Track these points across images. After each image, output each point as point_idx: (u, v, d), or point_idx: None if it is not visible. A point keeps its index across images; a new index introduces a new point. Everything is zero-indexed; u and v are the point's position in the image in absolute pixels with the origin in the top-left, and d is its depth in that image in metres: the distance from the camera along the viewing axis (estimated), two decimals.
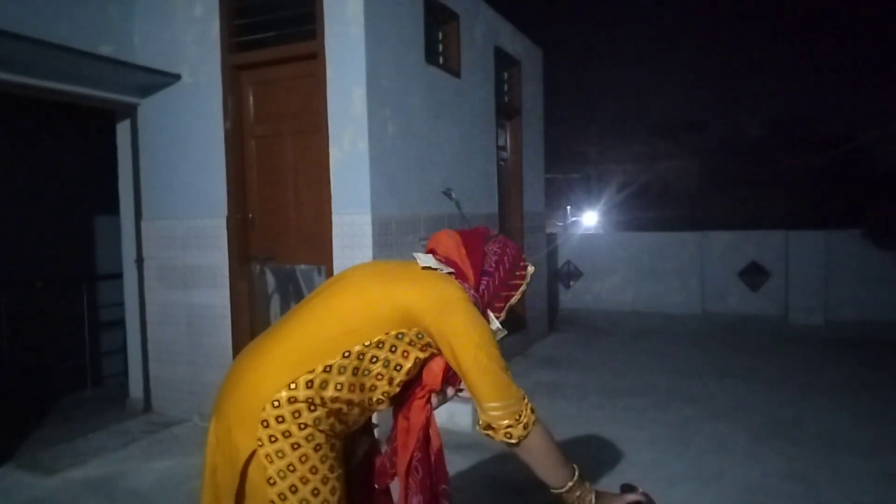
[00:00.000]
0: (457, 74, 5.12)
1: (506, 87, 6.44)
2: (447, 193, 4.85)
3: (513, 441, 1.47)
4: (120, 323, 5.15)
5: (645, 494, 1.55)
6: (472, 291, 1.59)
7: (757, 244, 8.49)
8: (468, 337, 1.46)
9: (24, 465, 3.76)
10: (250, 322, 4.37)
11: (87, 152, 5.58)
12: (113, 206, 4.90)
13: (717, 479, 3.43)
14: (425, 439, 1.64)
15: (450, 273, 1.60)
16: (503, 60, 6.21)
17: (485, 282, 1.62)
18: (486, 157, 5.76)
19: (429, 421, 1.65)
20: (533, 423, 1.47)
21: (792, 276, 8.00)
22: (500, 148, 6.29)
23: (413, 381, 1.63)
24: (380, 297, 1.53)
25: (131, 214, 4.73)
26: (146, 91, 4.58)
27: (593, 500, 1.51)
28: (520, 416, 1.46)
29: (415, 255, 1.64)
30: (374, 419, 1.80)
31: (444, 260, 1.63)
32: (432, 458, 1.66)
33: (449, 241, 1.67)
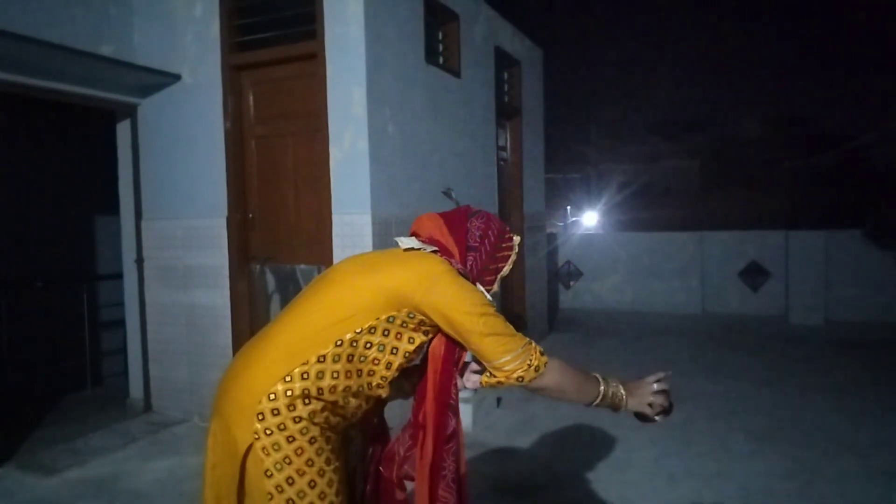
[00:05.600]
0: (457, 74, 5.12)
1: (506, 87, 6.44)
2: (447, 193, 4.85)
3: (524, 383, 1.53)
4: (120, 323, 5.15)
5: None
6: (460, 265, 1.61)
7: (757, 244, 8.49)
8: (462, 305, 1.50)
9: (24, 465, 3.76)
10: (250, 322, 4.36)
11: (87, 152, 5.58)
12: (113, 206, 4.90)
13: (717, 479, 3.43)
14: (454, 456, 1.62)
15: (434, 251, 1.62)
16: (503, 60, 6.21)
17: (471, 257, 1.65)
18: (486, 157, 5.76)
19: (454, 432, 1.61)
20: (545, 365, 1.54)
21: (792, 276, 8.00)
22: (500, 148, 6.29)
23: (421, 376, 1.63)
24: (366, 286, 1.55)
25: (131, 214, 4.73)
26: (146, 91, 4.58)
27: (623, 394, 1.62)
28: (530, 361, 1.52)
29: (396, 239, 1.67)
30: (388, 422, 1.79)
31: (427, 240, 1.66)
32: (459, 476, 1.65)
33: (430, 223, 1.70)
